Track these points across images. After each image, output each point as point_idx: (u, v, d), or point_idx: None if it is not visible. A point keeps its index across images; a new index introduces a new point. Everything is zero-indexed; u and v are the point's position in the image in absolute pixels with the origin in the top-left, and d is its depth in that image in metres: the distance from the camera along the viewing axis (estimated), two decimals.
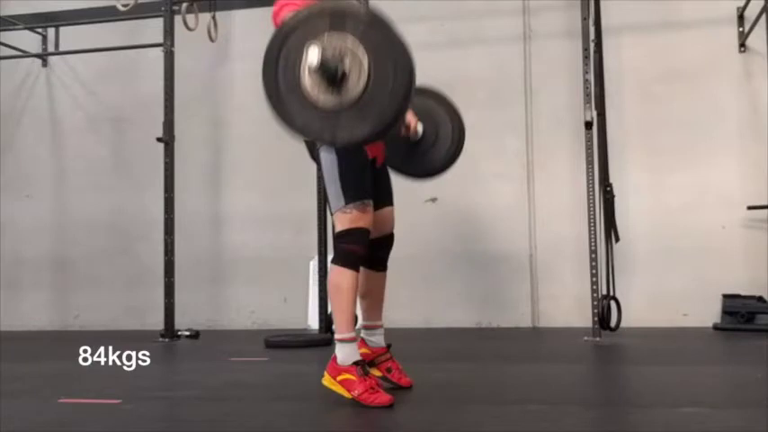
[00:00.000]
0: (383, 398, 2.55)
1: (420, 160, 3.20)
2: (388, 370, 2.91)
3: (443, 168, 3.25)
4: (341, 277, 2.66)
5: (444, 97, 3.32)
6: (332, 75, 2.24)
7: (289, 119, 2.33)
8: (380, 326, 2.96)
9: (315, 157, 2.78)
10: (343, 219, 2.67)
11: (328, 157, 2.68)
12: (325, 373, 2.67)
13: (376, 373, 2.84)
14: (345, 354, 2.63)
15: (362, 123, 2.26)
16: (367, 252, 2.72)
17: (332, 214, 2.74)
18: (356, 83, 2.26)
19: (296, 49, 2.30)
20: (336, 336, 2.68)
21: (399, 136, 3.10)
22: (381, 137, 2.48)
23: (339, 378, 2.61)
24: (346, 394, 2.59)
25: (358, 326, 2.85)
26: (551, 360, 4.00)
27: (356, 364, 2.61)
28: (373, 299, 2.93)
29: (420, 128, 3.13)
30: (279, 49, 2.33)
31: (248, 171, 5.92)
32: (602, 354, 4.08)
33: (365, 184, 2.72)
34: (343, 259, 2.67)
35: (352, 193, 2.66)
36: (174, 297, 5.11)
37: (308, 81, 2.28)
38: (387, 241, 2.93)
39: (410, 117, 3.08)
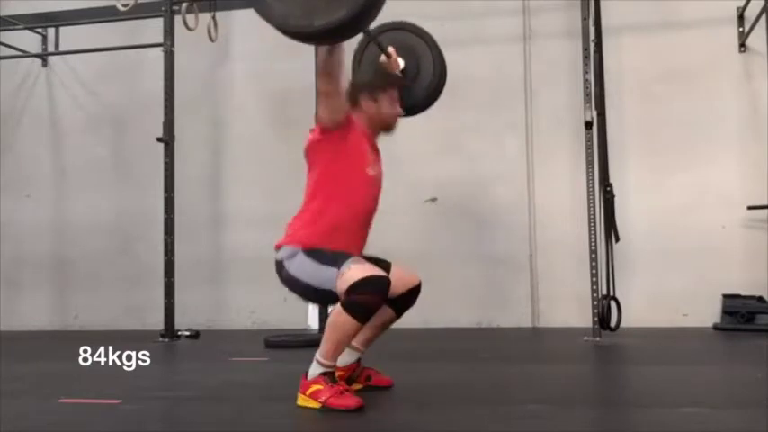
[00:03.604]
0: (351, 401, 2.51)
1: (404, 95, 3.20)
2: (368, 378, 2.92)
3: (427, 102, 3.26)
4: (347, 325, 2.51)
5: (423, 31, 3.36)
6: None
7: (267, 11, 2.29)
8: (362, 351, 2.92)
9: (286, 280, 2.72)
10: (348, 276, 2.52)
11: (297, 263, 2.65)
12: (298, 393, 2.60)
13: (357, 387, 2.83)
14: (315, 370, 2.58)
15: (338, 7, 2.21)
16: (384, 301, 2.60)
17: (339, 293, 2.55)
18: None
19: None
20: (318, 357, 2.58)
21: (380, 64, 3.16)
22: (359, 23, 2.36)
23: (308, 392, 2.56)
24: (316, 404, 2.53)
25: None
26: (551, 360, 4.00)
27: (323, 374, 2.57)
28: (376, 330, 2.85)
29: (401, 62, 3.17)
30: None
31: (248, 171, 5.92)
32: (602, 354, 4.08)
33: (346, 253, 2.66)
34: (352, 309, 2.50)
35: (340, 260, 2.59)
36: (174, 297, 5.11)
37: None
38: (415, 291, 2.83)
39: (391, 50, 3.13)
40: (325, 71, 2.59)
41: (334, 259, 2.61)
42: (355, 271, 2.53)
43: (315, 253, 2.65)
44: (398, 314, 2.85)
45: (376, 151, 2.89)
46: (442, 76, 3.34)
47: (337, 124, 2.69)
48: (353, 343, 2.80)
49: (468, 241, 5.51)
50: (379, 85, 2.88)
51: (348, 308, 2.51)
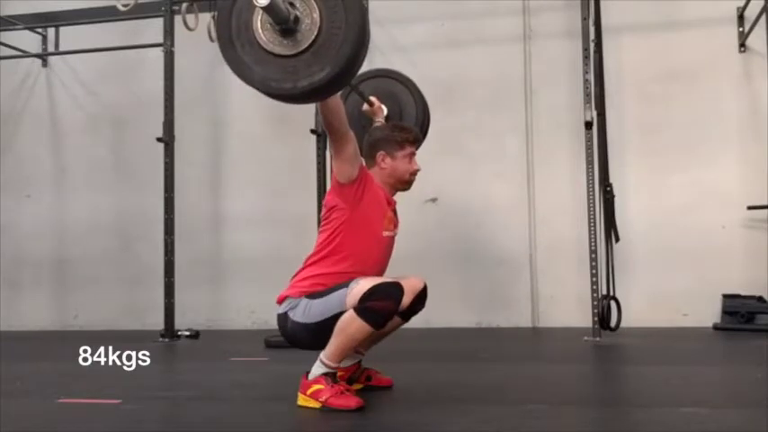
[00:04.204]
0: (351, 401, 2.51)
1: None
2: (368, 378, 2.92)
3: None
4: (359, 331, 2.50)
5: (406, 78, 3.45)
6: (284, 18, 2.21)
7: (248, 74, 2.30)
8: (363, 354, 2.93)
9: (290, 330, 2.65)
10: (358, 289, 2.51)
11: (301, 309, 2.61)
12: (298, 393, 2.60)
13: (357, 386, 2.83)
14: (318, 370, 2.58)
15: (320, 68, 2.23)
16: (398, 308, 2.57)
17: (349, 307, 2.53)
18: (309, 28, 2.25)
19: (247, 7, 2.29)
20: (323, 358, 2.58)
21: (363, 112, 3.23)
22: (341, 81, 2.37)
23: (309, 391, 2.56)
24: (317, 404, 2.54)
25: None
26: (551, 360, 4.00)
27: (324, 375, 2.57)
28: (380, 335, 2.83)
29: (384, 109, 3.23)
30: (230, 10, 2.32)
31: (248, 171, 5.92)
32: (602, 354, 4.08)
33: None
34: (367, 316, 2.48)
35: (343, 283, 2.58)
36: (174, 297, 5.11)
37: (262, 34, 2.28)
38: (422, 296, 2.82)
39: (374, 98, 3.17)
40: (326, 120, 2.59)
41: (340, 285, 2.59)
42: (365, 283, 2.52)
43: (318, 293, 2.63)
44: (405, 320, 2.84)
45: (394, 211, 2.88)
46: (425, 121, 3.43)
47: (351, 179, 2.67)
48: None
49: (469, 241, 5.51)
50: (396, 142, 2.85)
51: (362, 314, 2.48)
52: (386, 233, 2.79)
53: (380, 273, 2.80)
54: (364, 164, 2.79)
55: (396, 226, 2.89)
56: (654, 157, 5.25)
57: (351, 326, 2.50)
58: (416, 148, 2.94)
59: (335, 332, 2.54)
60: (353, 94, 3.28)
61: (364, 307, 2.48)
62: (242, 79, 2.32)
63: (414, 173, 2.90)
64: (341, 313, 2.54)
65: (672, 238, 5.15)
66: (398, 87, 3.43)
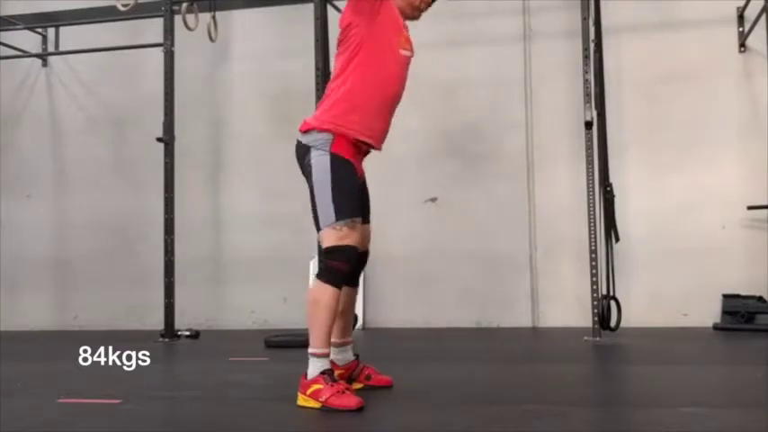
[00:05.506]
0: (351, 401, 2.51)
1: None
2: (368, 377, 2.92)
3: None
4: (322, 293, 2.60)
5: None
6: None
7: None
8: (351, 342, 2.93)
9: (306, 165, 2.72)
10: (332, 235, 2.61)
11: (321, 162, 2.65)
12: (298, 393, 2.60)
13: (357, 386, 2.83)
14: (315, 367, 2.58)
15: None
16: (352, 270, 2.69)
17: (318, 229, 2.67)
18: None
19: None
20: (311, 350, 2.60)
21: None
22: None
23: (309, 391, 2.56)
24: (317, 404, 2.53)
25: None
26: (551, 360, 4.00)
27: (323, 373, 2.57)
28: (346, 316, 2.86)
29: None
30: None
31: (248, 171, 5.92)
32: (602, 354, 4.08)
33: (357, 200, 2.69)
34: (326, 275, 2.61)
35: (345, 209, 2.61)
36: (174, 297, 5.11)
37: None
38: (363, 257, 2.87)
39: None
40: None
41: (341, 198, 2.62)
42: (341, 234, 2.59)
43: (339, 165, 2.64)
44: (355, 285, 2.89)
45: (407, 32, 2.84)
46: None
47: None
48: (337, 339, 2.81)
49: (469, 241, 5.51)
50: None
51: (323, 276, 2.62)
52: (403, 52, 2.76)
53: (399, 95, 2.78)
54: None
55: (412, 48, 2.83)
56: (654, 157, 5.25)
57: (316, 293, 2.62)
58: None
59: (309, 318, 2.62)
60: None
61: (323, 268, 2.64)
62: None
63: (425, 1, 2.85)
64: (316, 210, 2.64)
65: (672, 237, 5.15)
66: None
